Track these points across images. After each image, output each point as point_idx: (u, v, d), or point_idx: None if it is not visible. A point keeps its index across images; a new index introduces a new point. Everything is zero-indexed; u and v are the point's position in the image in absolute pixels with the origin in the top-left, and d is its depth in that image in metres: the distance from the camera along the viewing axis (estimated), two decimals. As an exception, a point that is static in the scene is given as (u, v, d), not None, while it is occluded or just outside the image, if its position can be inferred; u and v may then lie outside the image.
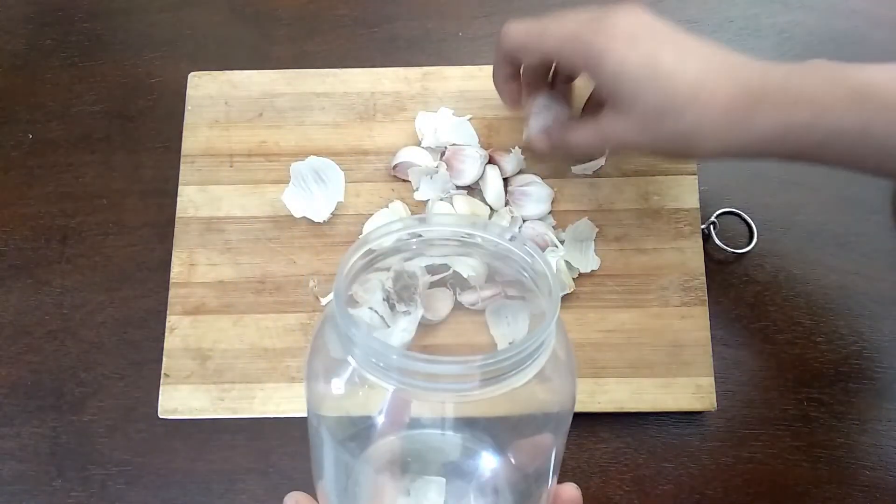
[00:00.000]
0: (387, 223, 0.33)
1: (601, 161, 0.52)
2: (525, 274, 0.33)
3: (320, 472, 0.33)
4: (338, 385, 0.31)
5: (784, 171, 0.54)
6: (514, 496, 0.33)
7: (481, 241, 0.34)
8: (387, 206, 0.52)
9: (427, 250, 0.36)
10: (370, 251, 0.33)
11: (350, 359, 0.29)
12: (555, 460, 0.33)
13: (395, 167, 0.52)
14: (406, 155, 0.52)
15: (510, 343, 0.40)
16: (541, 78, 0.48)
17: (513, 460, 0.33)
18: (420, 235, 0.35)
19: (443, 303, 0.49)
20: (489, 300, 0.47)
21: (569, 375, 0.32)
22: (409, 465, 0.33)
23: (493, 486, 0.33)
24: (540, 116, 0.48)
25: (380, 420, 0.32)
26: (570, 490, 0.33)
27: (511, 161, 0.51)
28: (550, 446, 0.32)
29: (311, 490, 0.33)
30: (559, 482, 0.33)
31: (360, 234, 0.51)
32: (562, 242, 0.50)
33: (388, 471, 0.33)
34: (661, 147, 0.43)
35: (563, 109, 0.48)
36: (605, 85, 0.42)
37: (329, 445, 0.32)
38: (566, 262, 0.49)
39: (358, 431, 0.33)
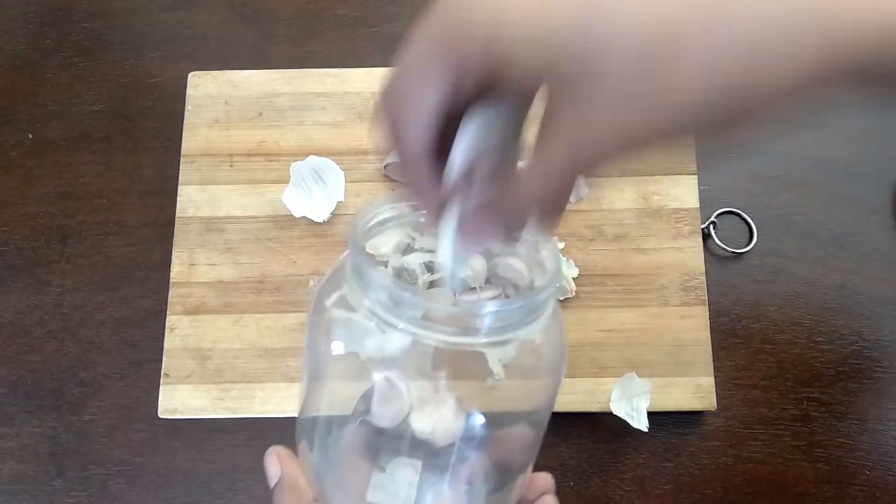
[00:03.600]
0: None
1: (585, 190, 0.51)
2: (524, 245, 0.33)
3: (303, 433, 0.33)
4: (338, 346, 0.32)
5: (784, 171, 0.54)
6: (488, 484, 0.33)
7: None
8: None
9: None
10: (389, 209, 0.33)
11: (365, 301, 0.29)
12: (532, 450, 0.33)
13: (385, 167, 0.52)
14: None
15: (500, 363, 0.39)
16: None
17: (491, 449, 0.33)
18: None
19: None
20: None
21: (557, 366, 0.32)
22: (388, 443, 0.33)
23: (469, 472, 0.33)
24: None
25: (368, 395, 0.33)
26: (545, 477, 0.33)
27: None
28: (530, 437, 0.32)
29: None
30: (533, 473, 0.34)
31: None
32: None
33: (367, 445, 0.33)
34: (688, 110, 0.21)
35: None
36: (528, 64, 0.22)
37: (319, 405, 0.32)
38: (565, 262, 0.49)
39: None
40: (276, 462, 0.33)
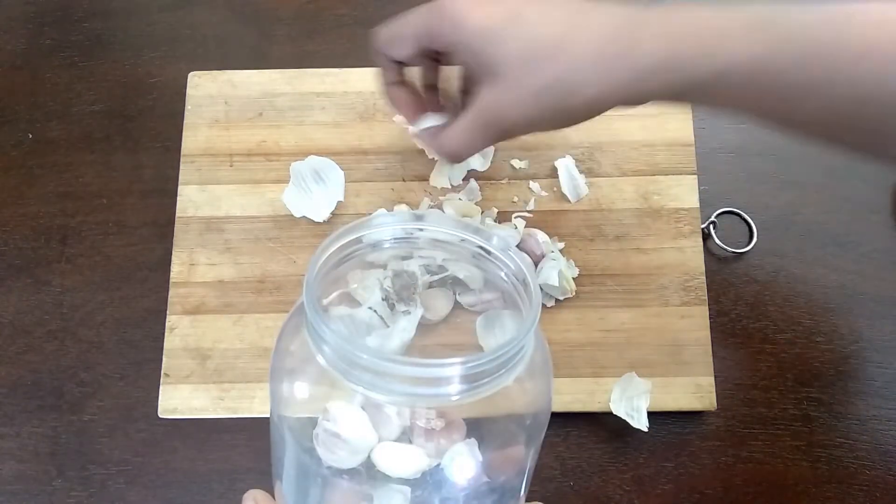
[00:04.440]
0: (368, 218, 0.31)
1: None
2: (506, 279, 0.32)
3: (280, 472, 0.32)
4: (302, 388, 0.30)
5: (784, 171, 0.54)
6: None
7: (466, 245, 0.33)
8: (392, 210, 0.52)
9: (415, 251, 0.35)
10: (350, 243, 0.31)
11: (319, 358, 0.27)
12: (526, 475, 0.32)
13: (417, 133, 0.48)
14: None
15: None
16: (430, 87, 0.46)
17: (482, 472, 0.31)
18: (408, 236, 0.33)
19: (442, 302, 0.49)
20: (489, 303, 0.47)
21: (544, 386, 0.31)
22: (372, 472, 0.31)
23: (460, 497, 0.31)
24: (426, 120, 0.45)
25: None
26: None
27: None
28: (522, 459, 0.31)
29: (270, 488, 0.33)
30: (529, 499, 0.33)
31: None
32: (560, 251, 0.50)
33: (350, 476, 0.31)
34: (538, 107, 0.38)
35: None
36: (469, 49, 0.39)
37: (291, 446, 0.30)
38: (565, 262, 0.49)
39: None
40: None
